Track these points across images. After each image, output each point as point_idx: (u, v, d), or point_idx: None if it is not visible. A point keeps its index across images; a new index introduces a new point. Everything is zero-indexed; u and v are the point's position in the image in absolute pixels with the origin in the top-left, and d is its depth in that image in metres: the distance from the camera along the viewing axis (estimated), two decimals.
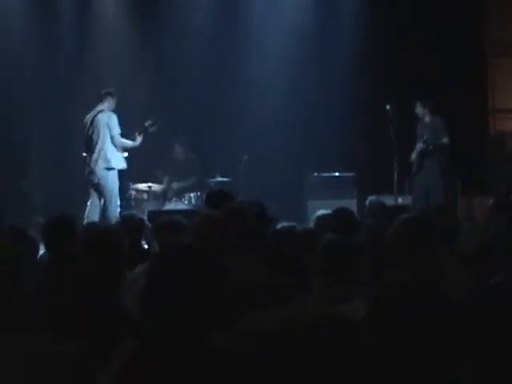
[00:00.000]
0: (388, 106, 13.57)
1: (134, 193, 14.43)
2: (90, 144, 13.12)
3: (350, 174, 14.61)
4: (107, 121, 12.98)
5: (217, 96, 15.52)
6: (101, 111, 13.06)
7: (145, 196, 14.50)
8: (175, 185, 14.81)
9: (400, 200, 13.67)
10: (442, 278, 4.56)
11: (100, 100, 13.14)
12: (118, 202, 13.06)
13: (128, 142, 13.19)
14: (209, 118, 15.28)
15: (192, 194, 14.36)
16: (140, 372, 2.60)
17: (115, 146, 12.98)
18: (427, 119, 13.58)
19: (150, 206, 13.88)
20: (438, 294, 3.34)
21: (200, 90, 15.39)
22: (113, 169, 12.99)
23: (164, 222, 6.80)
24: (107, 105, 13.09)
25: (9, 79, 14.96)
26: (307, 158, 14.92)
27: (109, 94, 13.12)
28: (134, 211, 12.97)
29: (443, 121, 13.53)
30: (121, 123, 13.48)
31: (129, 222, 7.69)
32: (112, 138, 12.99)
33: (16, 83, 14.96)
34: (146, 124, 13.36)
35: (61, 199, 14.43)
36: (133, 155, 14.53)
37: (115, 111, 13.17)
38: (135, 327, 3.74)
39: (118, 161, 13.04)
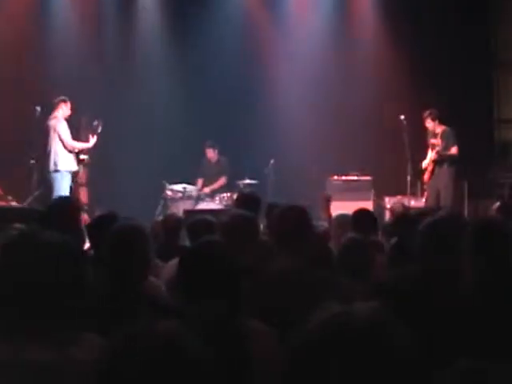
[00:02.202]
0: (402, 117, 13.88)
1: (170, 193, 14.56)
2: (45, 149, 13.27)
3: (368, 178, 14.68)
4: (55, 126, 13.06)
5: (246, 105, 15.77)
6: (53, 118, 13.15)
7: (180, 196, 14.61)
8: (207, 189, 14.96)
9: (413, 202, 13.85)
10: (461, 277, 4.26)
11: (54, 107, 13.21)
12: None
13: (78, 144, 13.27)
14: (238, 124, 15.42)
15: (222, 195, 14.46)
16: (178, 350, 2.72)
17: (66, 149, 13.05)
18: (438, 130, 13.75)
19: (185, 206, 14.00)
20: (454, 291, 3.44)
21: (231, 100, 15.61)
22: (59, 171, 13.06)
23: (196, 221, 6.85)
24: (61, 112, 13.16)
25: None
26: (329, 163, 15.01)
27: (62, 101, 13.19)
28: (171, 210, 13.36)
29: (452, 131, 13.68)
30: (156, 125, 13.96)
31: (168, 220, 7.95)
32: (62, 142, 13.05)
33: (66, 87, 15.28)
34: (94, 124, 13.48)
35: (107, 196, 14.75)
36: (169, 159, 14.86)
37: (70, 117, 13.33)
38: (166, 312, 3.83)
39: (66, 163, 13.09)
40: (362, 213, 7.25)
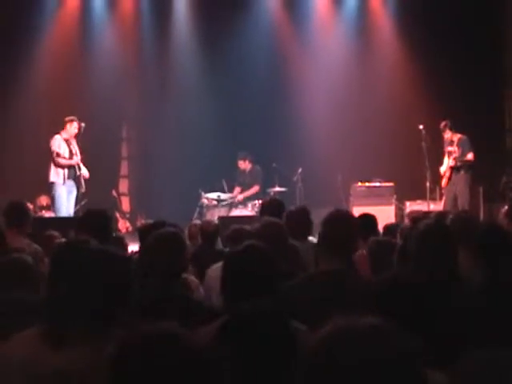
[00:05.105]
0: (421, 126, 13.94)
1: (205, 201, 14.66)
2: None
3: (390, 184, 14.74)
4: (49, 142, 13.09)
5: (276, 116, 16.00)
6: (55, 134, 13.20)
7: (215, 203, 14.68)
8: (241, 196, 14.97)
9: (432, 206, 13.86)
10: (459, 278, 4.27)
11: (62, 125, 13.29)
12: (62, 213, 12.87)
13: (63, 161, 13.07)
14: (269, 137, 15.61)
15: (254, 202, 14.43)
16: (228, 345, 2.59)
17: (54, 163, 13.06)
18: (454, 138, 13.76)
19: (220, 212, 14.13)
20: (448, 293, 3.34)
21: (262, 111, 15.87)
22: (52, 183, 13.07)
23: (233, 231, 6.82)
24: (65, 130, 13.17)
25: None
26: (353, 170, 15.11)
27: (68, 121, 13.20)
28: (206, 217, 13.47)
29: (467, 139, 13.71)
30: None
31: (207, 226, 8.06)
32: (52, 157, 13.07)
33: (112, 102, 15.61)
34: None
35: (148, 204, 14.86)
36: (205, 169, 15.00)
37: (78, 135, 13.24)
38: (209, 313, 3.94)
39: (56, 176, 13.07)
40: (365, 216, 7.27)
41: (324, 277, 4.31)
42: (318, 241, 4.64)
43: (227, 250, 6.59)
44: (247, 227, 6.64)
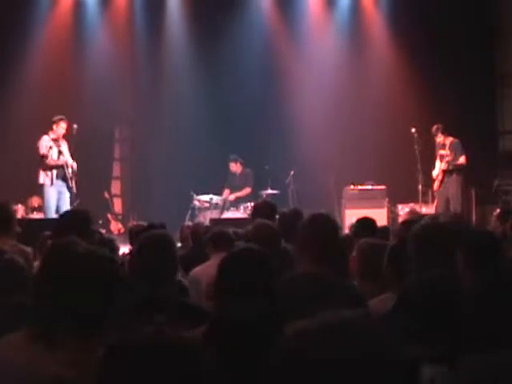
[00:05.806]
0: (413, 129, 13.96)
1: (197, 203, 14.70)
2: None
3: (382, 187, 14.72)
4: (37, 144, 12.98)
5: (268, 119, 15.97)
6: (43, 135, 13.07)
7: (207, 206, 14.70)
8: (232, 196, 14.97)
9: (424, 209, 13.88)
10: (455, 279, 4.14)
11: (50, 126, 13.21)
12: (52, 214, 12.69)
13: (50, 162, 12.94)
14: (261, 138, 15.61)
15: (246, 204, 14.38)
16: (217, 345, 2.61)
17: (41, 167, 12.98)
18: (446, 142, 13.79)
19: (212, 215, 14.15)
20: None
21: (254, 114, 15.83)
22: (42, 184, 12.99)
23: (215, 233, 6.66)
24: (53, 130, 13.02)
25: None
26: (345, 173, 15.11)
27: (55, 121, 13.03)
28: (198, 219, 13.48)
29: (459, 143, 13.76)
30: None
31: (196, 228, 8.10)
32: (40, 158, 13.02)
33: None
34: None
35: (140, 206, 14.85)
36: (197, 171, 14.98)
37: (68, 136, 13.14)
38: (202, 315, 3.87)
39: (44, 177, 12.98)
40: (364, 220, 7.28)
41: (300, 279, 4.28)
42: (296, 243, 4.64)
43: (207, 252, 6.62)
44: (230, 230, 6.59)
